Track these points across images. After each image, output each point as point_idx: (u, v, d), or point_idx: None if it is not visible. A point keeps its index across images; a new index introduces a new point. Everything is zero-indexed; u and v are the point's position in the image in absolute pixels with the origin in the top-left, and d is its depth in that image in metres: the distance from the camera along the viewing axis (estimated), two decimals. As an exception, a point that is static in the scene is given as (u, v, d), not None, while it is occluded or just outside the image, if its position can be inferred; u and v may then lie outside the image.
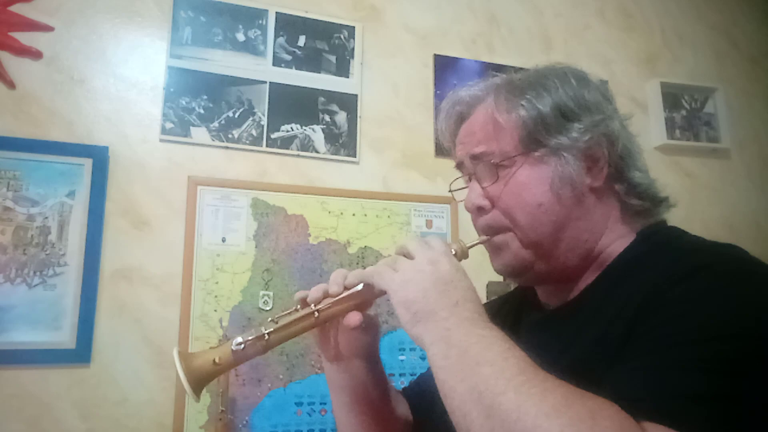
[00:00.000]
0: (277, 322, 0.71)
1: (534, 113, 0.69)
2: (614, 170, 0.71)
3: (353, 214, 1.82)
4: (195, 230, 1.64)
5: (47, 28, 1.61)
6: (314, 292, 0.74)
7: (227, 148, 1.73)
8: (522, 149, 0.70)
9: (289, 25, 1.86)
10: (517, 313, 0.83)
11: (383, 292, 0.67)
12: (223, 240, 1.67)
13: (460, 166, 0.79)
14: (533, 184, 0.70)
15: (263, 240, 1.71)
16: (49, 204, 1.53)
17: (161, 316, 1.58)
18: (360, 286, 0.71)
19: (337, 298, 0.72)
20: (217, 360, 0.66)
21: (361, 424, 0.83)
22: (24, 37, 1.58)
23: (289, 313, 0.73)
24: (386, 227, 1.84)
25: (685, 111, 2.32)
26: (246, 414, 1.59)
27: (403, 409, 0.89)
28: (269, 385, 1.63)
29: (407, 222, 1.87)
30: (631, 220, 0.72)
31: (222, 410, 1.50)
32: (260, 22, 1.83)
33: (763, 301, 0.54)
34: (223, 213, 1.69)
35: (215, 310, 1.62)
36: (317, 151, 1.82)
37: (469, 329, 0.58)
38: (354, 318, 0.72)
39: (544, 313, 0.77)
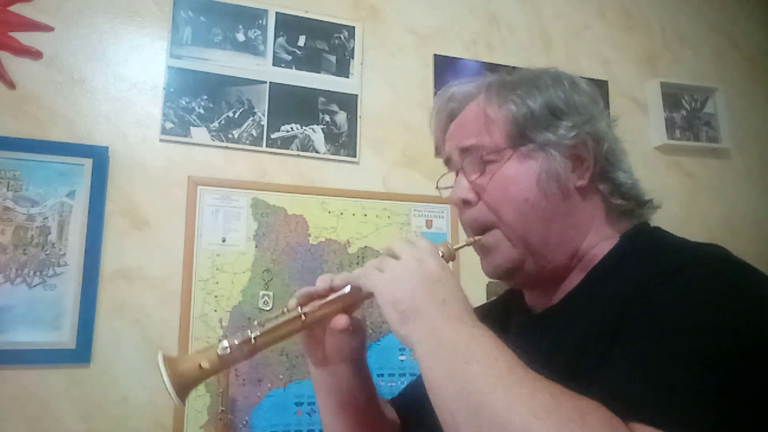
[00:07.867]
0: (263, 326, 0.70)
1: (524, 109, 0.71)
2: (599, 170, 0.72)
3: (353, 214, 1.82)
4: (195, 230, 1.64)
5: (47, 28, 1.61)
6: (301, 295, 0.73)
7: (227, 148, 1.73)
8: (510, 143, 0.71)
9: (289, 25, 1.85)
10: (505, 318, 0.83)
11: (370, 295, 0.66)
12: (223, 240, 1.67)
13: (448, 161, 0.79)
14: (520, 179, 0.70)
15: (263, 240, 1.71)
16: (49, 204, 1.53)
17: (161, 317, 1.58)
18: (347, 289, 0.71)
19: (324, 301, 0.71)
20: (203, 365, 0.65)
21: (348, 429, 0.82)
22: (24, 37, 1.58)
23: (275, 316, 0.71)
24: (386, 227, 1.84)
25: (685, 111, 2.32)
26: (246, 414, 1.59)
27: (390, 415, 0.88)
28: (269, 385, 1.63)
29: (407, 222, 1.87)
30: (616, 221, 0.73)
31: (222, 410, 1.50)
32: (260, 22, 1.83)
33: (746, 298, 0.54)
34: (223, 213, 1.69)
35: (215, 310, 1.62)
36: (317, 151, 1.82)
37: (458, 327, 0.57)
38: (341, 321, 0.71)
39: (531, 317, 0.77)
